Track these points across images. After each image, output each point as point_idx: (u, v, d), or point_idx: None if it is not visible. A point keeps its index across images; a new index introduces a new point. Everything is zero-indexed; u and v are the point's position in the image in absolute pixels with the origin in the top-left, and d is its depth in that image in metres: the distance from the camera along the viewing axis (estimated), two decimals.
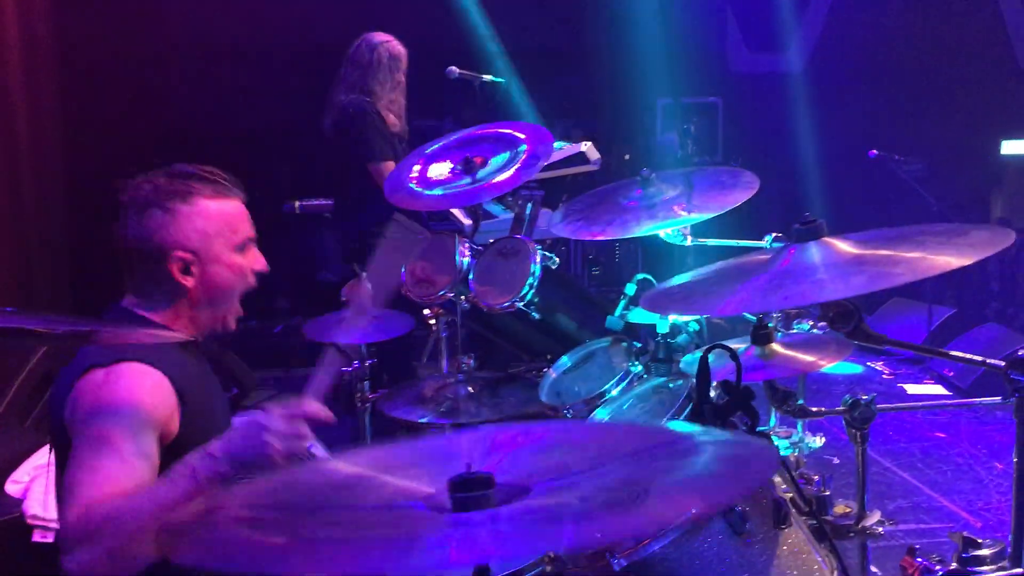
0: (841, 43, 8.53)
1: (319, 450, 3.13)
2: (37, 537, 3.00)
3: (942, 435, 4.86)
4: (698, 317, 2.61)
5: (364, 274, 4.63)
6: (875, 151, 6.50)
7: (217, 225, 1.99)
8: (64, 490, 1.76)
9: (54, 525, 2.99)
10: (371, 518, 1.14)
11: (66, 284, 5.70)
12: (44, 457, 3.21)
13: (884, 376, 5.91)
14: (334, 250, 6.77)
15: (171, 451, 1.85)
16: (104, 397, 1.80)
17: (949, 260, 1.62)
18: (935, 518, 3.99)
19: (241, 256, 2.03)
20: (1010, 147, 8.05)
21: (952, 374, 5.61)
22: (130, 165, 2.07)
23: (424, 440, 1.53)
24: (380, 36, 4.59)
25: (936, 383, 5.72)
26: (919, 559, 1.62)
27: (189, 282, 1.98)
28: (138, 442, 1.78)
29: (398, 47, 4.58)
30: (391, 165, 4.32)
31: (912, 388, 5.68)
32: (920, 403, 5.38)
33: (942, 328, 6.19)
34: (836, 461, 4.09)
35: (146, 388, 1.84)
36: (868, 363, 6.06)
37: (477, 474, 1.12)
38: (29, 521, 3.02)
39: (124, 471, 1.73)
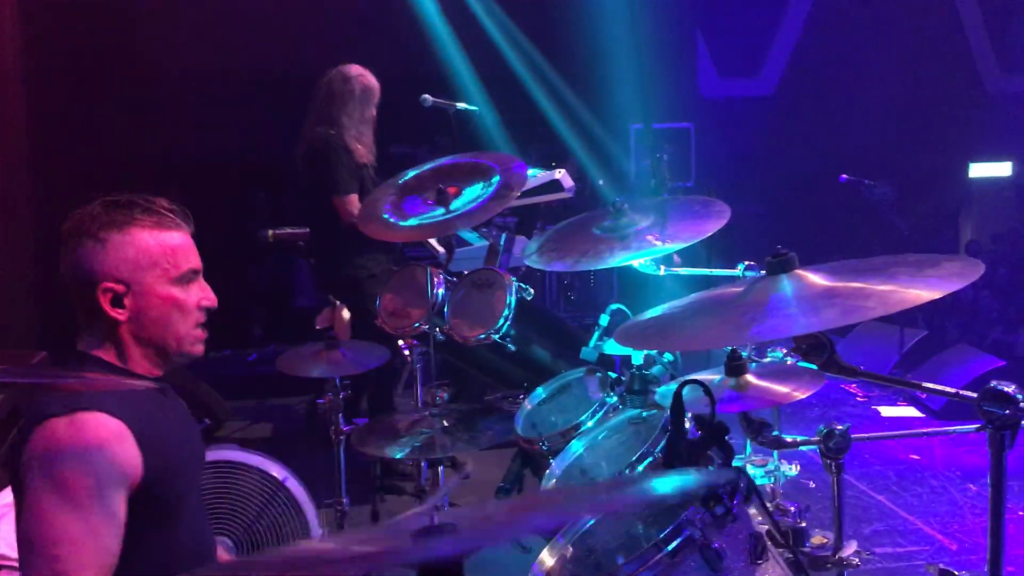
0: (811, 68, 8.65)
1: (295, 485, 3.11)
2: None
3: (916, 458, 4.89)
4: None
5: (339, 303, 4.58)
6: (845, 175, 6.55)
7: (152, 256, 1.90)
8: (35, 554, 1.72)
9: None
10: None
11: (36, 319, 5.63)
12: (11, 496, 3.15)
13: (858, 399, 5.94)
14: (309, 278, 6.75)
15: (136, 499, 1.81)
16: (65, 451, 1.73)
17: (920, 293, 1.63)
18: (911, 541, 4.00)
19: (181, 289, 1.94)
20: (978, 170, 8.18)
21: (925, 396, 5.65)
22: (100, 194, 1.97)
23: None
24: (355, 69, 4.56)
25: (909, 405, 5.76)
26: None
27: (121, 315, 1.89)
28: (105, 501, 1.74)
29: (372, 81, 4.55)
30: (355, 199, 4.31)
31: (886, 411, 5.71)
32: (896, 432, 5.41)
33: (914, 351, 6.24)
34: (812, 485, 4.10)
35: (108, 440, 1.77)
36: (842, 386, 6.09)
37: None
38: None
39: (92, 540, 1.72)
